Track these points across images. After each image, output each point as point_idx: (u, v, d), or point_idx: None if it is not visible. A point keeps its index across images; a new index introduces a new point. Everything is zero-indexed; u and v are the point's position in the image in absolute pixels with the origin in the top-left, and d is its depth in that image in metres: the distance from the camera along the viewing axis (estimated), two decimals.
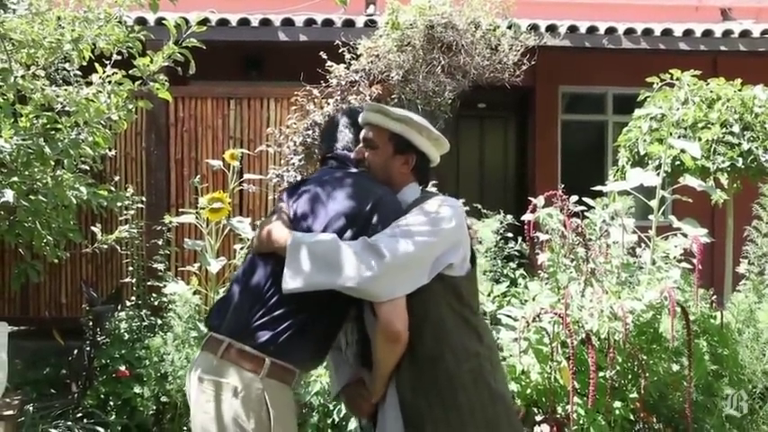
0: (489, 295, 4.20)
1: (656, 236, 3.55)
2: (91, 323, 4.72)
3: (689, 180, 3.62)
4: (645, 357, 3.28)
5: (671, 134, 4.38)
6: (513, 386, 3.30)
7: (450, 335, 1.96)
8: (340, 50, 5.68)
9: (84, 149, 3.52)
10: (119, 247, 4.80)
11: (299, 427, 3.83)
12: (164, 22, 3.61)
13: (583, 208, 3.72)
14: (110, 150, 4.21)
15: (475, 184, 8.61)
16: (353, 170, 2.11)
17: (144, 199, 5.59)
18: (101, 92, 3.53)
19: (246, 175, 4.68)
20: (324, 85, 5.52)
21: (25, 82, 3.34)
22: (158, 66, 3.50)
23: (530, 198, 3.75)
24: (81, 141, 3.50)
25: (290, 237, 1.88)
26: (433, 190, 2.24)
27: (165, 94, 3.62)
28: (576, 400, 3.06)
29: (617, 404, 3.19)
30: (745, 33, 6.94)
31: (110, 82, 3.54)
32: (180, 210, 5.37)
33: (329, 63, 5.52)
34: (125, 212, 5.09)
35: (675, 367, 3.39)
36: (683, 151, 4.48)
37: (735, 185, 5.17)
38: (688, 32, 6.86)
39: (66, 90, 3.47)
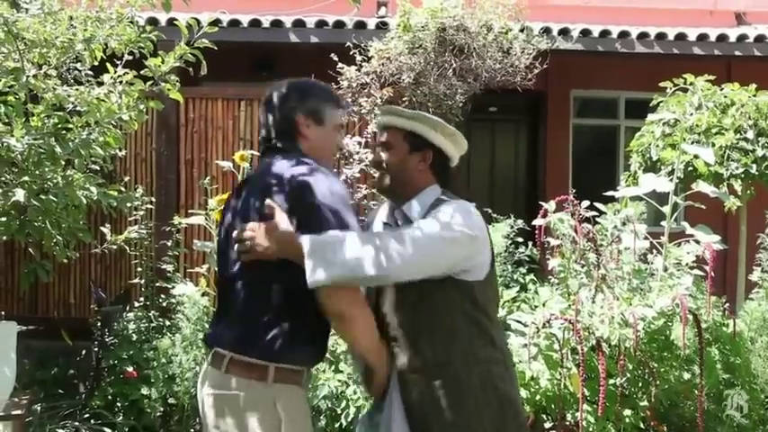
0: (499, 300, 4.17)
1: (669, 242, 3.52)
2: (99, 324, 4.73)
3: (702, 186, 3.59)
4: (656, 365, 3.25)
5: (684, 140, 4.35)
6: (523, 392, 3.27)
7: (461, 341, 1.96)
8: (351, 52, 5.67)
9: (95, 149, 3.52)
10: (128, 248, 4.80)
11: None
12: (175, 22, 3.61)
13: (594, 213, 3.70)
14: (120, 151, 4.21)
15: (485, 188, 8.57)
16: (275, 159, 2.03)
17: (153, 200, 5.60)
18: (112, 92, 3.53)
19: None
20: (334, 86, 5.51)
21: (37, 81, 3.35)
22: (170, 66, 3.50)
23: (541, 203, 3.72)
24: (92, 141, 3.49)
25: (305, 237, 1.84)
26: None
27: (176, 95, 3.62)
28: (586, 408, 3.03)
29: (627, 412, 3.16)
30: (759, 38, 6.88)
31: (121, 82, 3.54)
32: (189, 211, 5.37)
33: (340, 65, 5.51)
34: (134, 213, 5.09)
35: (687, 375, 3.36)
36: (696, 157, 4.45)
37: (748, 192, 5.13)
38: (702, 37, 6.81)
39: (77, 90, 3.47)
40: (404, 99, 5.76)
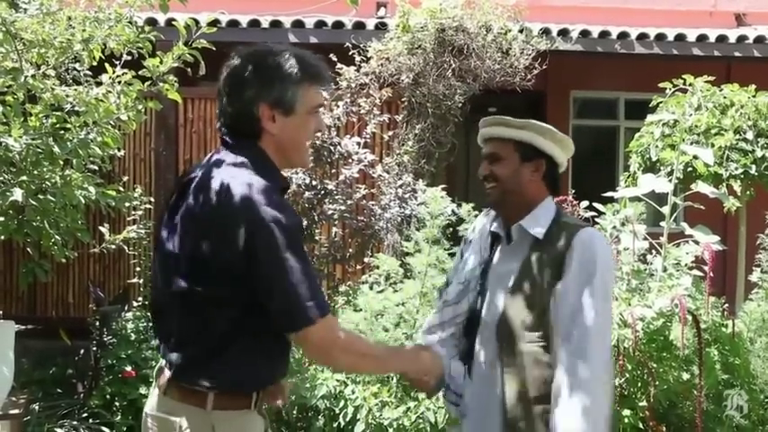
0: None
1: (668, 243, 3.51)
2: (98, 323, 4.73)
3: (701, 187, 3.59)
4: (655, 365, 3.24)
5: (683, 140, 4.34)
6: None
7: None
8: (350, 53, 5.66)
9: (93, 149, 3.52)
10: (126, 248, 4.79)
11: (305, 430, 3.81)
12: (174, 22, 3.61)
13: (593, 214, 3.69)
14: (119, 151, 4.20)
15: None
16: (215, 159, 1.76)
17: (152, 199, 5.59)
18: (110, 92, 3.53)
19: None
20: (333, 87, 5.50)
21: (35, 81, 3.34)
22: (168, 66, 3.49)
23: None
24: (90, 141, 3.49)
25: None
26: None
27: (175, 95, 3.61)
28: None
29: (626, 412, 3.15)
30: (759, 39, 6.88)
31: (119, 82, 3.53)
32: None
33: (339, 65, 5.51)
34: (133, 213, 5.08)
35: (686, 376, 3.35)
36: (695, 158, 4.44)
37: (748, 193, 5.12)
38: (701, 38, 6.81)
39: (75, 90, 3.47)
40: (403, 100, 5.76)
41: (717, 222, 4.85)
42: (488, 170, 2.06)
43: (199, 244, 1.63)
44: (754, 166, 4.68)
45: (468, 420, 2.09)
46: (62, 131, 3.42)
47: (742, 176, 4.73)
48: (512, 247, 2.06)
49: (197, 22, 3.54)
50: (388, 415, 3.51)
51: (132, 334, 4.55)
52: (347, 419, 3.62)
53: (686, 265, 3.44)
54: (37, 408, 4.21)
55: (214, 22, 3.61)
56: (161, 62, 3.48)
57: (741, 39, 6.88)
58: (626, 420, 3.13)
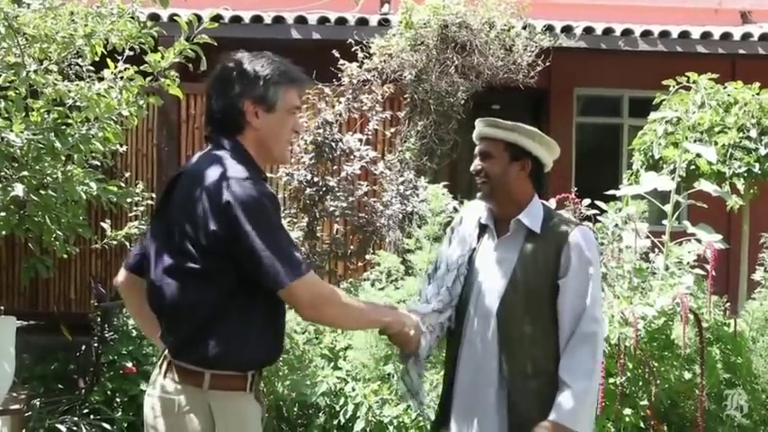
0: None
1: (670, 241, 3.51)
2: (99, 319, 4.73)
3: (704, 185, 3.58)
4: (656, 364, 3.24)
5: (686, 138, 4.32)
6: None
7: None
8: (353, 49, 5.65)
9: (95, 145, 3.52)
10: (128, 244, 4.79)
11: (305, 427, 3.81)
12: (176, 18, 3.60)
13: (596, 211, 3.68)
14: (120, 146, 4.21)
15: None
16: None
17: (154, 195, 5.59)
18: (112, 87, 3.52)
19: None
20: (336, 83, 5.49)
21: (37, 77, 3.34)
22: (169, 62, 3.48)
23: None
24: (92, 137, 3.49)
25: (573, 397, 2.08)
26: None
27: (176, 91, 3.61)
28: None
29: (627, 411, 3.15)
30: (764, 37, 6.83)
31: (121, 78, 3.53)
32: None
33: (342, 61, 5.50)
34: (135, 208, 5.07)
35: (687, 375, 3.34)
36: (698, 156, 4.43)
37: (751, 191, 5.11)
38: (706, 35, 6.77)
39: (77, 85, 3.46)
40: (405, 96, 5.75)
41: (719, 221, 4.83)
42: (480, 166, 2.25)
43: (185, 224, 1.80)
44: (757, 165, 4.67)
45: (460, 397, 2.21)
46: (64, 127, 3.41)
47: (745, 174, 4.71)
48: (506, 238, 2.22)
49: (199, 17, 3.53)
50: (388, 412, 3.51)
51: (133, 330, 4.54)
52: (347, 417, 3.62)
53: (688, 263, 3.43)
54: (38, 403, 4.21)
55: (217, 18, 3.59)
56: (162, 57, 3.47)
57: (746, 36, 6.84)
58: (627, 419, 3.13)
